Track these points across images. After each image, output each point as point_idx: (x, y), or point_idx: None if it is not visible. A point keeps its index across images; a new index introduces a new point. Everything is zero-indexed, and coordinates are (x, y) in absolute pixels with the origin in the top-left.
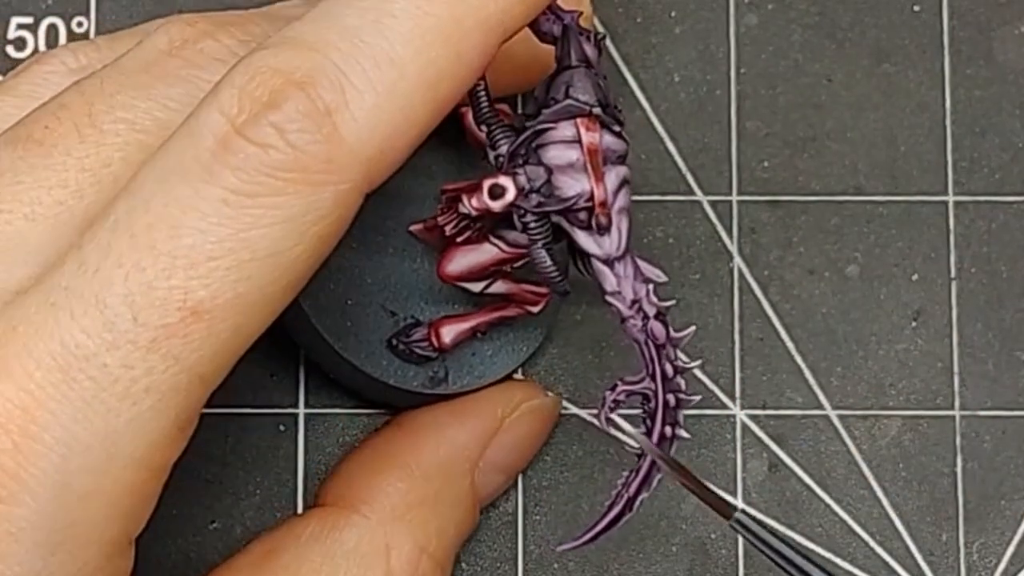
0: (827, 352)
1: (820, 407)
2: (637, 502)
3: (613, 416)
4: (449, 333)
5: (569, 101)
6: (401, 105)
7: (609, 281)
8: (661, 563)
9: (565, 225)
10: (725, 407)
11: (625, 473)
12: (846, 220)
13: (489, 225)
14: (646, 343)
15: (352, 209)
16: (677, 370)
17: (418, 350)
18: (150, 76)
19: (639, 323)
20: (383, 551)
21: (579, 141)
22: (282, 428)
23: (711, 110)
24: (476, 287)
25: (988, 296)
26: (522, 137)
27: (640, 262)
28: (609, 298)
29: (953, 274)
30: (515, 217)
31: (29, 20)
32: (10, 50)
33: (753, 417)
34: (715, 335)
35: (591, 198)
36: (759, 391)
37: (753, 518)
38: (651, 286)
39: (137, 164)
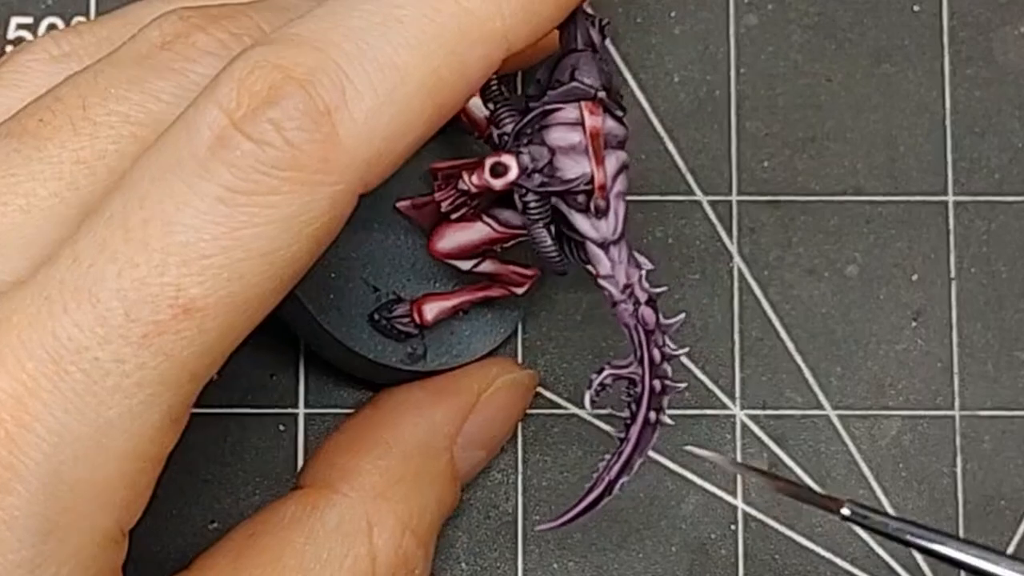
0: (827, 352)
1: (820, 407)
2: (617, 485)
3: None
4: (431, 311)
5: (574, 84)
6: (400, 110)
7: (603, 265)
8: (661, 563)
9: (563, 207)
10: (725, 407)
11: (606, 456)
12: (846, 220)
13: (484, 204)
14: (636, 328)
15: (347, 211)
16: (665, 356)
17: (399, 326)
18: (142, 69)
19: (630, 308)
20: (365, 529)
21: (582, 124)
22: (282, 428)
23: (711, 110)
24: (465, 265)
25: (988, 296)
26: (528, 117)
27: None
28: (602, 281)
29: (953, 274)
30: (516, 196)
31: (29, 20)
32: (10, 50)
33: (753, 417)
34: (715, 335)
35: (591, 181)
36: (759, 391)
37: (864, 506)
38: (643, 272)
39: (132, 156)
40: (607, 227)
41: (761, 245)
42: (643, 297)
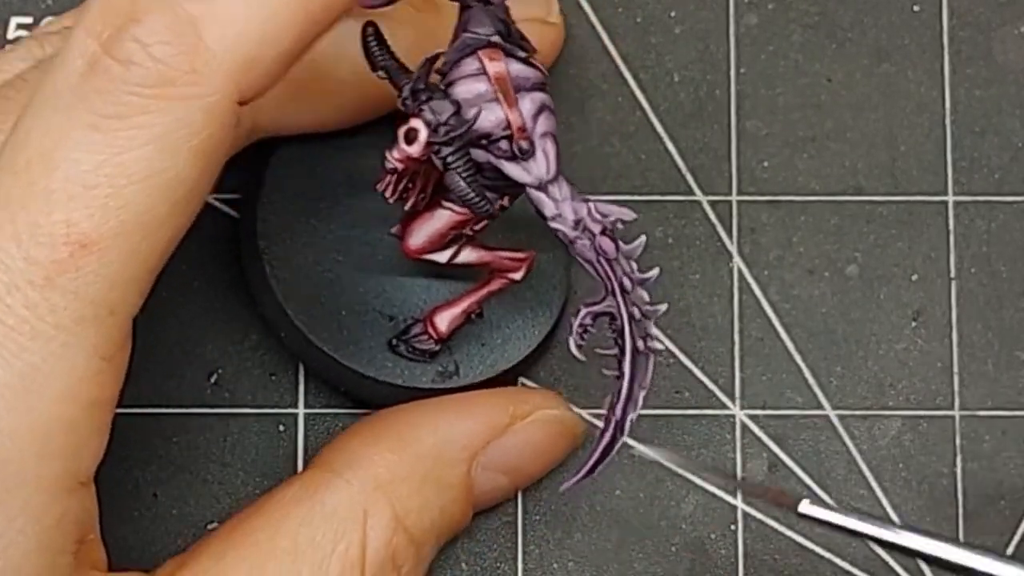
0: (827, 352)
1: (820, 407)
2: (627, 423)
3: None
4: (443, 320)
5: (466, 35)
6: (269, 14)
7: (547, 207)
8: (661, 563)
9: (493, 160)
10: (725, 407)
11: (607, 398)
12: (846, 220)
13: (439, 189)
14: (598, 260)
15: (227, 125)
16: (635, 282)
17: (418, 345)
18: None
19: (587, 242)
20: (360, 517)
21: (485, 72)
22: (282, 428)
23: (711, 110)
24: (442, 257)
25: (988, 296)
26: (417, 73)
27: (602, 205)
28: (552, 223)
29: (953, 274)
30: (433, 157)
31: (29, 20)
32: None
33: (753, 417)
34: (715, 335)
35: (508, 125)
36: (759, 391)
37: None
38: (592, 204)
39: None
40: (538, 168)
41: (761, 245)
42: (597, 228)
